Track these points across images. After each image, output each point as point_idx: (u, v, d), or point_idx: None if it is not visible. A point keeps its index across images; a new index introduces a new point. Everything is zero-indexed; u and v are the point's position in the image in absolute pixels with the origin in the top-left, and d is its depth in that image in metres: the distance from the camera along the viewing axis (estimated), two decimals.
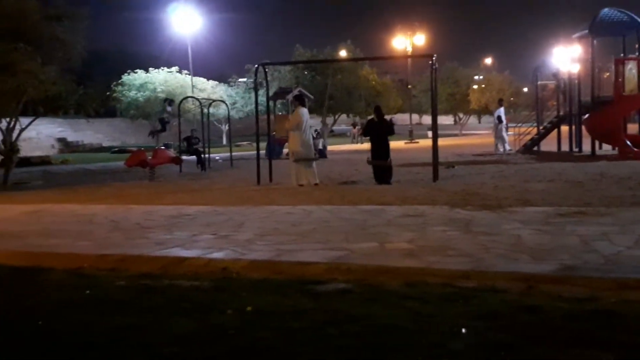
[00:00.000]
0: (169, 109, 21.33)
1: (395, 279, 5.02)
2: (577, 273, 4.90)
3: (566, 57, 23.98)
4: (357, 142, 42.26)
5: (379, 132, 13.11)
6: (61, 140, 48.31)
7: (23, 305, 4.90)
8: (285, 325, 4.01)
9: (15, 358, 3.79)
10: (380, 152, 13.03)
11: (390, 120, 13.52)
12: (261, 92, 18.47)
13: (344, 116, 52.10)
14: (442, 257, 5.63)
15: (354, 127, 48.12)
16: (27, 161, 27.38)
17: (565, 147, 22.64)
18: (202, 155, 20.87)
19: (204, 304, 4.61)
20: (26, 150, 30.73)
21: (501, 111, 24.01)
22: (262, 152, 16.87)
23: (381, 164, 12.92)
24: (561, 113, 23.19)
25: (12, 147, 17.86)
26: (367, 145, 13.71)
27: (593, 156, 19.21)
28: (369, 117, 14.27)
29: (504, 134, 23.84)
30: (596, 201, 8.86)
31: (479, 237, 6.43)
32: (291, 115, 13.59)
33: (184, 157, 20.13)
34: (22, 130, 18.19)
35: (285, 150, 27.66)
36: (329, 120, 48.82)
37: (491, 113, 59.15)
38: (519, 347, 3.48)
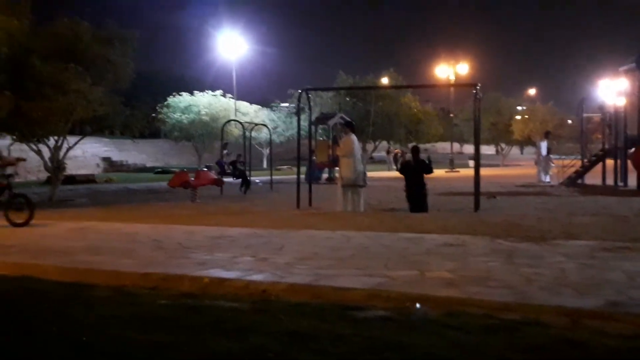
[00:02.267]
0: (225, 152, 22.08)
1: (435, 308, 4.98)
2: (622, 309, 4.79)
3: (612, 90, 23.64)
4: (390, 169, 42.21)
5: (414, 172, 13.06)
6: (106, 160, 49.23)
7: (66, 319, 4.98)
8: (324, 349, 4.00)
9: None
10: (413, 192, 12.97)
11: (428, 159, 13.42)
12: (303, 117, 18.62)
13: (384, 143, 52.07)
14: (484, 287, 5.56)
15: (387, 153, 48.01)
16: (73, 179, 27.99)
17: (610, 181, 22.21)
18: (248, 178, 21.26)
19: (243, 325, 4.63)
20: (72, 168, 31.40)
21: (544, 144, 24.06)
22: (302, 176, 16.96)
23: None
24: (606, 146, 22.83)
25: (58, 165, 18.31)
26: None
27: (638, 191, 18.80)
28: (407, 158, 14.25)
29: (548, 164, 23.86)
30: None
31: (522, 269, 6.34)
32: (342, 142, 13.61)
33: (228, 180, 20.53)
34: (69, 148, 18.65)
35: (324, 175, 27.83)
36: (369, 146, 48.80)
37: (534, 144, 58.81)
38: None
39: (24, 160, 14.02)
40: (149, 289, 6.00)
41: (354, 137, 13.37)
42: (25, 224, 10.93)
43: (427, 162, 13.17)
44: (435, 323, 4.60)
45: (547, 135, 26.63)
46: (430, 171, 13.15)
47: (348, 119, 21.31)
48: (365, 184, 13.28)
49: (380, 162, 52.62)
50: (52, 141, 18.19)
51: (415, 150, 13.56)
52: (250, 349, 4.07)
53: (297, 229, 10.03)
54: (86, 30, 17.66)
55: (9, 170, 12.12)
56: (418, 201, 12.84)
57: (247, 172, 21.81)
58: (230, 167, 21.85)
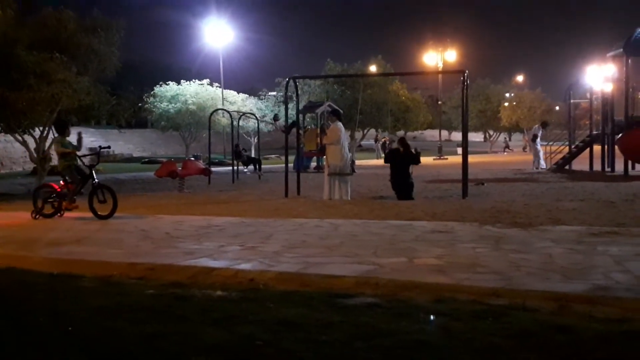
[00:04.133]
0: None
1: (424, 295, 4.99)
2: (610, 293, 4.82)
3: (600, 76, 23.70)
4: (379, 157, 42.21)
5: (399, 161, 13.07)
6: (92, 150, 48.96)
7: (54, 310, 4.95)
8: (313, 337, 3.99)
9: None
10: (398, 180, 12.99)
11: (416, 150, 13.40)
12: (291, 105, 18.57)
13: (372, 131, 52.01)
14: (472, 274, 5.57)
15: (376, 141, 47.89)
16: None
17: (597, 167, 22.33)
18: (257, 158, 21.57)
19: (232, 314, 4.62)
20: (58, 159, 31.18)
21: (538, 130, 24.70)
22: (291, 165, 16.92)
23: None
24: (594, 132, 22.94)
25: (44, 156, 18.16)
26: None
27: (626, 176, 18.92)
28: (394, 147, 14.19)
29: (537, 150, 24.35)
30: (629, 221, 8.71)
31: (510, 255, 6.36)
32: (328, 130, 13.57)
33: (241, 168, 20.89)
34: (54, 139, 18.50)
35: (313, 164, 27.80)
36: (358, 134, 48.76)
37: (522, 131, 58.99)
38: None
39: (108, 148, 13.66)
40: (136, 279, 5.98)
41: (340, 125, 13.34)
42: (109, 216, 10.31)
43: (415, 152, 13.15)
44: (424, 309, 4.61)
45: (544, 125, 27.06)
46: (418, 162, 13.17)
47: (336, 107, 21.27)
48: (352, 171, 13.23)
49: (369, 150, 52.60)
50: (37, 132, 18.02)
51: (403, 140, 13.56)
52: (239, 337, 4.06)
53: (286, 217, 10.02)
54: (70, 19, 17.48)
55: (87, 159, 11.70)
56: (404, 190, 12.85)
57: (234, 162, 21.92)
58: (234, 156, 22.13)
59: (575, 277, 5.35)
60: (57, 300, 5.29)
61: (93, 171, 10.88)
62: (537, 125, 27.97)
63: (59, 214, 10.82)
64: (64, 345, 4.07)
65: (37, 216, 10.65)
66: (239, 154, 22.23)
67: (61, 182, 10.94)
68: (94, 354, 3.90)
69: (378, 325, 4.22)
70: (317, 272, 5.83)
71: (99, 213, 10.39)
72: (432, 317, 4.44)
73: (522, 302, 4.68)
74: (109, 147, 13.96)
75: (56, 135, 11.88)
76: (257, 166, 21.79)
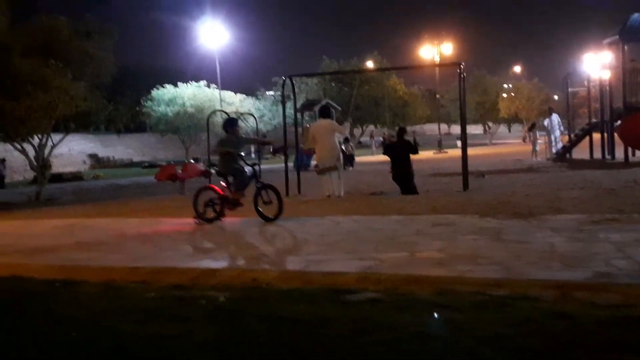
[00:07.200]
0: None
1: (425, 288, 4.99)
2: (611, 280, 4.83)
3: (597, 64, 23.69)
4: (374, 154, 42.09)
5: (398, 153, 13.06)
6: (92, 156, 49.02)
7: (56, 316, 4.96)
8: (316, 333, 4.00)
9: None
10: (399, 170, 12.99)
11: (414, 140, 13.38)
12: (289, 104, 18.56)
13: (371, 127, 52.08)
14: (473, 265, 5.58)
15: (371, 137, 47.80)
16: (59, 177, 27.87)
17: (597, 155, 22.33)
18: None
19: (234, 314, 4.63)
20: (58, 166, 31.28)
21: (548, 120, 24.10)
22: (291, 164, 16.92)
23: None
24: (593, 120, 22.91)
25: (44, 164, 18.20)
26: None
27: (626, 163, 18.91)
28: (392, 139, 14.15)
29: (539, 142, 23.99)
30: (629, 208, 8.70)
31: (510, 245, 6.37)
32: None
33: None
34: (53, 146, 18.53)
35: (313, 162, 27.81)
36: (357, 131, 48.80)
37: (521, 122, 58.93)
38: (552, 354, 3.43)
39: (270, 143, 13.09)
40: (138, 282, 5.97)
41: (318, 122, 13.27)
42: (275, 218, 9.45)
43: (412, 143, 13.12)
44: (426, 302, 4.61)
45: (550, 110, 26.68)
46: (416, 152, 13.10)
47: (334, 104, 21.25)
48: (338, 166, 12.91)
49: (368, 147, 52.65)
50: (36, 140, 18.06)
51: (401, 131, 13.53)
52: (242, 334, 4.07)
53: (286, 216, 10.02)
54: (64, 25, 17.55)
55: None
56: (405, 181, 12.84)
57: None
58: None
59: (576, 265, 5.35)
60: (59, 306, 5.29)
61: (256, 170, 10.02)
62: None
63: (220, 219, 9.91)
64: (66, 349, 4.08)
65: (200, 221, 9.76)
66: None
67: (222, 183, 10.10)
68: (96, 355, 3.92)
69: (380, 320, 4.23)
70: (319, 270, 5.84)
71: (266, 215, 9.56)
72: (434, 309, 4.44)
73: (523, 291, 4.68)
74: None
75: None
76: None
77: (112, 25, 18.95)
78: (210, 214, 9.87)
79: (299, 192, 14.07)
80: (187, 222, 9.81)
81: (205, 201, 9.88)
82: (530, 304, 4.38)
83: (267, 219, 9.47)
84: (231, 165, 9.88)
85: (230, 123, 10.50)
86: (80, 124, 21.67)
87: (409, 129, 49.07)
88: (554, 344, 3.56)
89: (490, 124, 66.48)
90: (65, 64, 16.82)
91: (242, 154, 10.14)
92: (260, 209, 9.61)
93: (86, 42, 17.79)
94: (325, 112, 13.95)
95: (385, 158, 13.87)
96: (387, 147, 13.92)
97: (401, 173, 12.90)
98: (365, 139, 51.79)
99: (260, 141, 14.07)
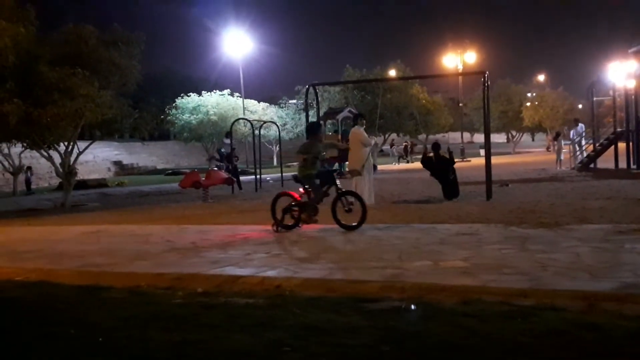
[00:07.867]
0: (227, 141, 21.87)
1: (450, 297, 4.97)
2: (638, 291, 4.77)
3: (622, 73, 23.43)
4: (396, 163, 41.93)
5: (437, 167, 13.41)
6: (117, 163, 49.45)
7: (84, 322, 5.01)
8: (340, 342, 4.00)
9: None
10: (449, 184, 13.25)
11: (450, 154, 13.59)
12: (311, 112, 18.60)
13: (393, 135, 51.94)
14: (498, 275, 5.54)
15: (391, 146, 47.58)
16: (84, 184, 28.12)
17: (622, 164, 22.05)
18: (238, 175, 21.29)
19: (259, 321, 4.64)
20: (83, 173, 31.60)
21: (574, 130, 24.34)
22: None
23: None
24: (618, 129, 22.65)
25: (69, 170, 18.41)
26: (413, 165, 13.71)
27: None
28: (429, 154, 14.22)
29: (563, 151, 24.01)
30: None
31: (536, 255, 6.31)
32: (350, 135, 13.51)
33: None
34: (79, 153, 18.75)
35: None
36: (379, 140, 48.71)
37: (545, 131, 58.42)
38: None
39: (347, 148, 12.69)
40: (163, 289, 6.02)
41: (353, 130, 13.28)
42: (357, 227, 8.97)
43: (447, 156, 13.45)
44: (451, 312, 4.59)
45: (576, 121, 26.72)
46: (453, 163, 13.46)
47: (356, 112, 21.24)
48: (363, 172, 12.78)
49: (387, 155, 52.53)
50: (62, 147, 18.28)
51: (436, 147, 13.73)
52: (267, 344, 4.08)
53: (310, 224, 10.02)
54: (91, 34, 17.75)
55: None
56: (448, 185, 13.24)
57: (256, 170, 21.89)
58: (225, 159, 21.95)
59: (603, 275, 5.29)
60: (86, 311, 5.35)
61: (335, 175, 9.66)
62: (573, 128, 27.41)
63: (298, 226, 9.53)
64: (94, 355, 4.13)
65: (278, 228, 9.42)
66: (230, 159, 21.74)
67: (301, 189, 9.70)
68: None
69: (405, 329, 4.22)
70: (342, 278, 5.84)
71: (343, 223, 9.14)
72: (459, 319, 4.42)
73: (550, 302, 4.64)
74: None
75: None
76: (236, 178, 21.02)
77: (138, 34, 19.13)
78: (290, 220, 9.51)
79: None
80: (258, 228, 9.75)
81: (283, 208, 9.52)
82: (557, 314, 4.35)
83: (346, 228, 9.05)
84: (313, 172, 9.48)
85: (314, 128, 10.04)
86: (105, 131, 21.93)
87: (431, 137, 49.02)
88: (582, 356, 3.53)
89: (513, 132, 65.93)
90: (92, 73, 17.01)
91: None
92: (339, 216, 9.21)
93: (113, 51, 17.97)
94: (355, 120, 14.03)
95: (408, 166, 13.94)
96: (425, 162, 14.12)
97: (444, 179, 13.31)
98: (386, 147, 51.63)
99: (342, 146, 13.82)
